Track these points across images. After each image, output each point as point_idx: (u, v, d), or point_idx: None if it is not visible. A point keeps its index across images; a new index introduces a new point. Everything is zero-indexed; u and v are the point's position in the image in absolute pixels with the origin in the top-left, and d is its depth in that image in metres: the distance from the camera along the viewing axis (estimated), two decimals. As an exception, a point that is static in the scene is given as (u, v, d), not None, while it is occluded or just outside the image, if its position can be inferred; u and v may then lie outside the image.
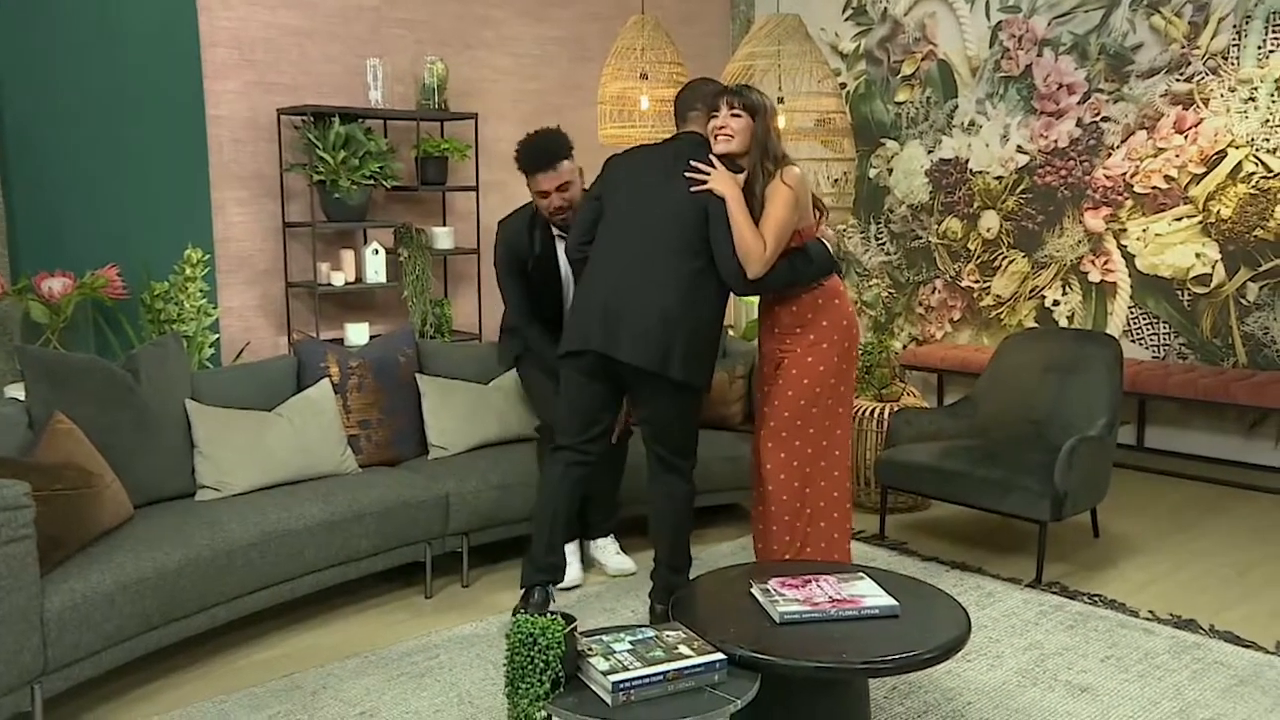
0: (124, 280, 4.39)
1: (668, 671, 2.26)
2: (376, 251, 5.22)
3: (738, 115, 3.24)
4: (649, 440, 3.33)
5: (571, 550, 3.83)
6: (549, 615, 2.32)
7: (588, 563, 3.94)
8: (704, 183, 3.19)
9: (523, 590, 3.34)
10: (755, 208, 3.22)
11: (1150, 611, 3.60)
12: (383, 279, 5.25)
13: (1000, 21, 6.04)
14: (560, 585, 3.75)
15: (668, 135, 3.54)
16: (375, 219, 5.31)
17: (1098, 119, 5.69)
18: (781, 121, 4.76)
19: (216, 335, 4.63)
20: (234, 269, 5.09)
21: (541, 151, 3.66)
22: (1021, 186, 6.02)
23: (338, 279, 5.13)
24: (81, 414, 3.13)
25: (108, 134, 4.61)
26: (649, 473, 3.36)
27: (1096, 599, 3.70)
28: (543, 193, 3.66)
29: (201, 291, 4.44)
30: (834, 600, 2.57)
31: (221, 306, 4.94)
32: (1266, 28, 5.09)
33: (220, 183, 5.00)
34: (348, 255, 5.20)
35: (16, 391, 3.78)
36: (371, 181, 5.03)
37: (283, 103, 5.10)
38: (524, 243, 3.78)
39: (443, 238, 5.48)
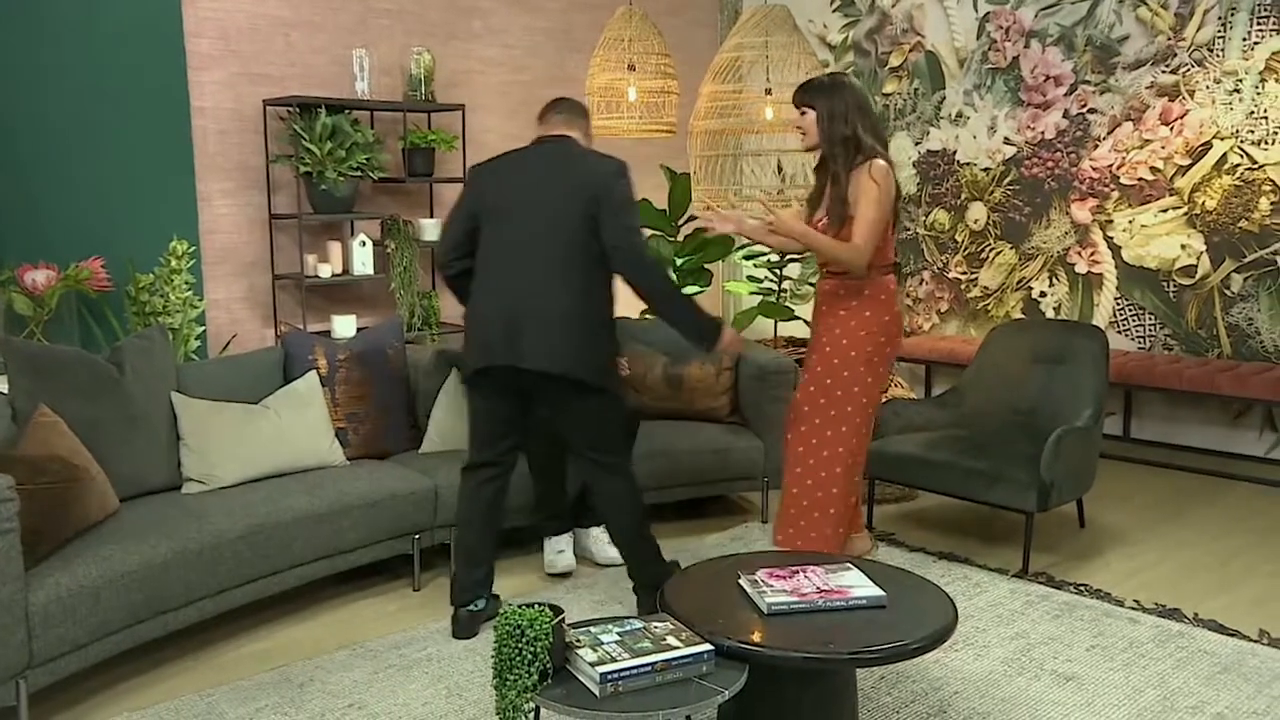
0: (109, 272, 4.36)
1: (655, 662, 2.26)
2: (364, 243, 5.20)
3: (804, 112, 3.34)
4: (577, 449, 3.29)
5: (565, 540, 3.85)
6: (537, 606, 2.31)
7: (579, 552, 3.94)
8: (707, 229, 3.30)
9: (454, 609, 3.34)
10: (837, 200, 3.32)
11: (1135, 601, 3.62)
12: (370, 271, 5.23)
13: (988, 13, 6.04)
14: (555, 572, 3.79)
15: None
16: (362, 210, 5.29)
17: (1084, 111, 5.70)
18: (769, 113, 4.76)
19: (202, 327, 4.61)
20: (220, 261, 5.06)
21: None
22: (1009, 178, 6.04)
23: (324, 271, 5.11)
24: (66, 407, 3.12)
25: (92, 125, 4.57)
26: (589, 482, 3.37)
27: (1082, 589, 3.72)
28: None
29: (187, 284, 4.42)
30: (821, 591, 2.57)
31: (207, 299, 4.92)
32: (1251, 19, 5.11)
33: (206, 174, 4.97)
34: (334, 247, 5.18)
35: (0, 385, 3.76)
36: (358, 173, 5.01)
37: (268, 94, 5.07)
38: None
39: (430, 229, 5.46)
